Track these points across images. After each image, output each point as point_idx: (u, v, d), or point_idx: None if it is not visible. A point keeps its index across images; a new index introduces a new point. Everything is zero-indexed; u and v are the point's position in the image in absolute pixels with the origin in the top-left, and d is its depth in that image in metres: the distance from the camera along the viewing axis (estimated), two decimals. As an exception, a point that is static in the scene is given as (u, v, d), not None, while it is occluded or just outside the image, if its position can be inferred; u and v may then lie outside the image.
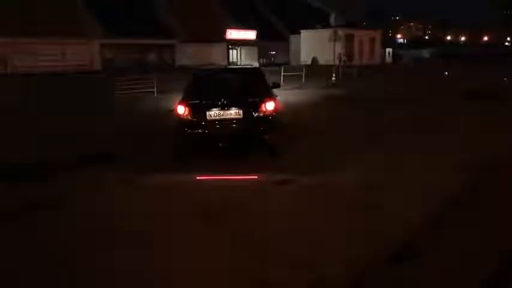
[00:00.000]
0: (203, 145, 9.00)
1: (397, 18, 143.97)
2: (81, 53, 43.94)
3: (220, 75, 10.28)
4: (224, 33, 51.88)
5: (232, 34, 52.80)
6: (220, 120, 8.44)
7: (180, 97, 8.91)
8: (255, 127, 8.56)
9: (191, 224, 5.30)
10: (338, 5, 56.42)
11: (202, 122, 8.48)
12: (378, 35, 61.97)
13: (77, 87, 26.67)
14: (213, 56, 51.07)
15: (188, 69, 44.16)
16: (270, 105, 8.60)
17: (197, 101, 8.66)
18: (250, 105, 8.57)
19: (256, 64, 54.73)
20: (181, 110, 8.58)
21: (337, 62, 30.88)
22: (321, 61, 47.53)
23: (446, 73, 35.80)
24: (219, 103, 8.44)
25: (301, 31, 56.38)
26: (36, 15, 40.73)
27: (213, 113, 8.41)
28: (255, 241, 4.73)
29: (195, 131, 8.52)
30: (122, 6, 49.40)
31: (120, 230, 5.10)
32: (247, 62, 54.95)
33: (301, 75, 29.94)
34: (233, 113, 8.42)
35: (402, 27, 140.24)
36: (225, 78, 9.94)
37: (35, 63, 40.01)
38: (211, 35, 50.41)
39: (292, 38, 58.65)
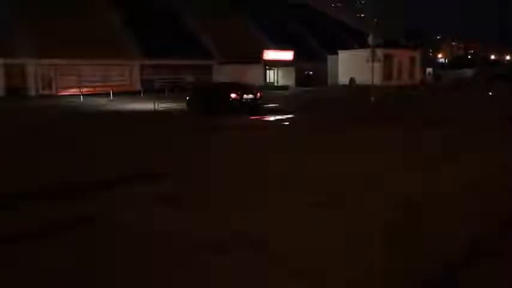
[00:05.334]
0: (241, 108, 21.36)
1: (438, 37, 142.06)
2: (122, 74, 44.89)
3: (237, 84, 25.09)
4: (261, 53, 52.05)
5: (269, 55, 52.90)
6: (246, 99, 21.96)
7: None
8: (256, 101, 22.42)
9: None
10: (377, 25, 55.94)
11: (242, 99, 21.82)
12: (417, 54, 61.05)
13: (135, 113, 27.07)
14: (250, 76, 51.19)
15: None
16: (260, 94, 22.96)
17: (238, 92, 21.96)
18: (254, 93, 22.57)
19: (293, 84, 54.95)
20: (233, 95, 21.62)
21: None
22: (359, 82, 47.02)
23: (490, 93, 34.67)
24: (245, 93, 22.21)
25: (339, 51, 56.09)
26: (78, 37, 41.94)
27: (245, 96, 21.96)
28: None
29: (240, 102, 21.71)
30: (160, 28, 50.37)
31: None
32: (285, 82, 54.93)
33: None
34: (250, 96, 22.19)
35: (443, 46, 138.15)
36: (238, 84, 24.89)
37: (78, 83, 41.16)
38: (249, 56, 50.65)
39: (330, 58, 58.31)
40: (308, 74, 59.62)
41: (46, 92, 40.32)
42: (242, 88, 22.91)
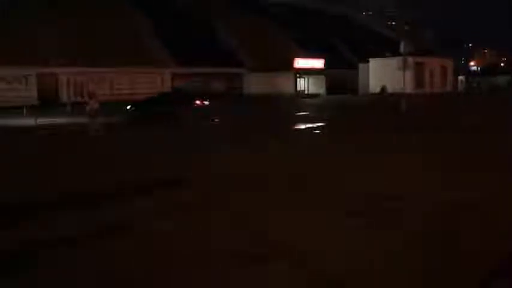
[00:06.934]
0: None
1: (470, 45, 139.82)
2: (153, 82, 45.59)
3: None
4: (292, 62, 52.28)
5: (300, 63, 53.06)
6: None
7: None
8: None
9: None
10: (408, 33, 55.65)
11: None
12: (449, 62, 60.40)
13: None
14: (281, 84, 51.50)
15: (256, 98, 45.17)
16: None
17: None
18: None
19: (323, 92, 54.99)
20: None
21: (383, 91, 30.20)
22: (390, 90, 46.84)
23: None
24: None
25: (370, 59, 55.89)
26: (110, 46, 42.95)
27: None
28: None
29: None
30: (191, 36, 51.09)
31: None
32: (315, 90, 55.02)
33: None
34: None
35: (475, 54, 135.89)
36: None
37: (110, 91, 41.93)
38: (279, 64, 50.92)
39: (361, 66, 58.15)
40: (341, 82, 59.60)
41: (78, 100, 41.02)
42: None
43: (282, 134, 17.71)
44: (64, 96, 41.09)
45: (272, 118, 26.23)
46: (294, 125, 21.09)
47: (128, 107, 23.75)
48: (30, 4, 44.47)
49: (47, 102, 38.35)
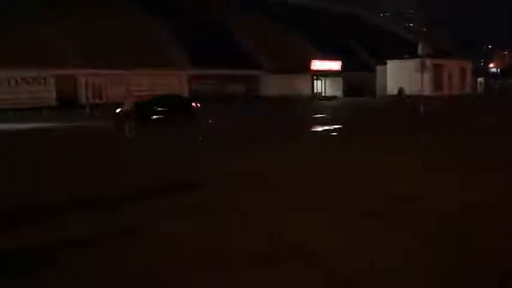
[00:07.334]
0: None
1: (490, 47, 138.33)
2: (170, 84, 45.79)
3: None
4: (309, 64, 52.17)
5: (317, 65, 52.94)
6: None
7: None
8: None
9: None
10: (426, 35, 55.23)
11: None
12: (468, 64, 59.82)
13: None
14: (298, 86, 51.43)
15: (273, 99, 45.17)
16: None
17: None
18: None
19: (341, 94, 54.81)
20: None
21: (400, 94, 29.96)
22: (408, 92, 46.53)
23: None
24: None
25: (388, 61, 55.55)
26: (127, 48, 43.32)
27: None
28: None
29: None
30: (209, 38, 51.22)
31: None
32: (332, 93, 54.87)
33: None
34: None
35: (495, 56, 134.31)
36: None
37: (127, 93, 42.14)
38: (296, 66, 50.86)
39: (379, 68, 57.83)
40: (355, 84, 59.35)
41: (96, 101, 41.40)
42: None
43: (293, 136, 17.71)
44: (83, 98, 41.52)
45: (286, 120, 26.22)
46: (311, 127, 21.05)
47: (118, 110, 23.73)
48: (48, 5, 45.11)
49: (66, 103, 38.77)
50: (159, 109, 23.19)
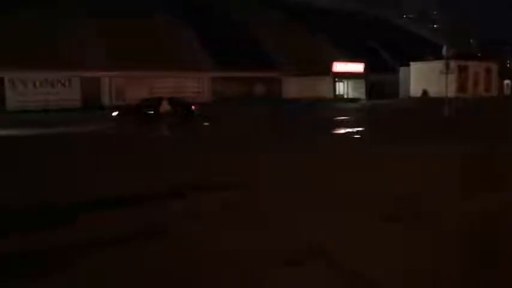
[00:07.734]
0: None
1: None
2: (193, 86, 46.07)
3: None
4: (331, 66, 51.89)
5: (339, 67, 52.60)
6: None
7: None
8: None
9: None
10: (451, 36, 54.51)
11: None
12: (494, 65, 58.81)
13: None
14: (319, 88, 51.20)
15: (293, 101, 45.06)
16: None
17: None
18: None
19: (363, 96, 54.38)
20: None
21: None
22: (432, 94, 45.96)
23: None
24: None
25: (411, 63, 54.97)
26: (150, 49, 43.72)
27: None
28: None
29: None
30: (231, 40, 51.38)
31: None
32: (355, 95, 54.47)
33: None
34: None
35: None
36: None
37: (150, 95, 42.50)
38: (318, 68, 50.62)
39: (402, 69, 57.26)
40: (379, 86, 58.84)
41: (119, 102, 41.64)
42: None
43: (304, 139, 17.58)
44: (106, 100, 41.97)
45: (309, 122, 26.10)
46: (334, 130, 20.91)
47: (114, 114, 23.76)
48: (70, 8, 45.90)
49: (90, 105, 39.26)
50: (147, 112, 23.42)
